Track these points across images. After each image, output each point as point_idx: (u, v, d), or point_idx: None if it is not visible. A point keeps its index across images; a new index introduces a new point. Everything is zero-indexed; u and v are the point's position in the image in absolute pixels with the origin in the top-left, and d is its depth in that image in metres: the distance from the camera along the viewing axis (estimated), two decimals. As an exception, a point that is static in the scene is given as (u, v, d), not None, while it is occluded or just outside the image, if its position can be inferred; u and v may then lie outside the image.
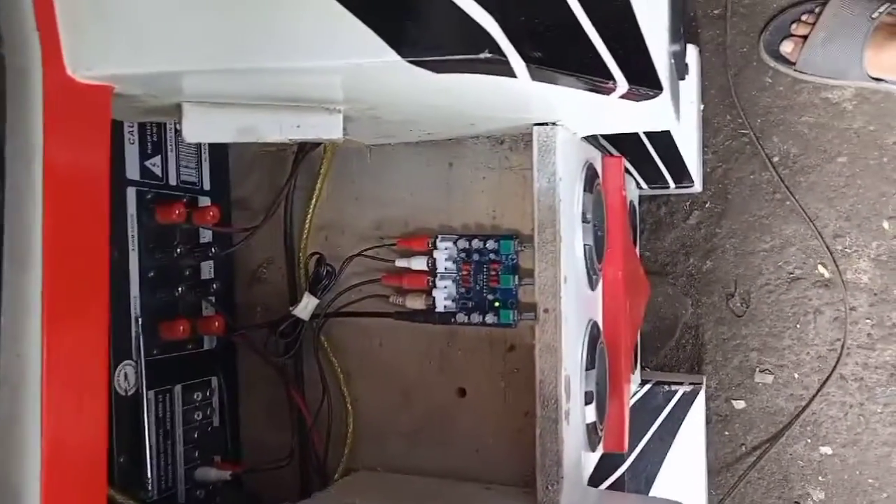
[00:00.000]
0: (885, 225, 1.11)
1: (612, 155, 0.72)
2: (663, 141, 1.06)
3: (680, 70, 0.53)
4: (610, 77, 0.44)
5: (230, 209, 0.72)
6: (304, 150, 0.69)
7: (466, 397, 0.65)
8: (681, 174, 1.09)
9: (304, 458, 0.68)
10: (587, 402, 0.62)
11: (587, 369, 0.62)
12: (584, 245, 0.62)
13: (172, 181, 0.65)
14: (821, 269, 1.15)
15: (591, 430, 0.63)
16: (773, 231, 1.18)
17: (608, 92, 0.46)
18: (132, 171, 0.60)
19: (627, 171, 1.05)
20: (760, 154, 1.17)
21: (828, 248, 1.13)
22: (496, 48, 0.39)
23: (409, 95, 0.48)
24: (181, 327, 0.61)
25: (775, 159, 1.17)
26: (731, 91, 1.19)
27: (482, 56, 0.39)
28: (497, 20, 0.39)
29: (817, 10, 1.08)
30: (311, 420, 0.67)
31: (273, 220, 0.70)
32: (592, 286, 0.66)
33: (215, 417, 0.68)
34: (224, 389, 0.68)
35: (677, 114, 0.56)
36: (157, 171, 0.63)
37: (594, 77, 0.44)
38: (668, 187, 1.11)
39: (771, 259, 1.18)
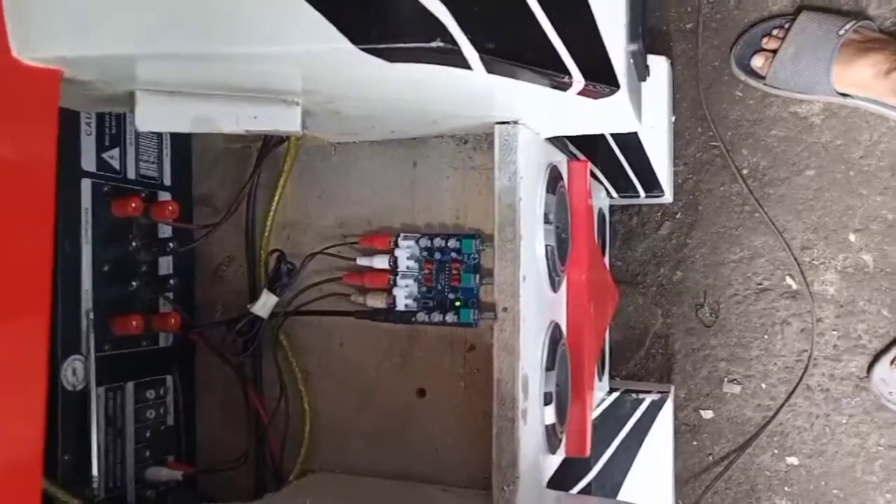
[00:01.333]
0: (852, 237, 1.12)
1: (577, 159, 0.72)
2: (633, 148, 1.07)
3: (640, 71, 0.53)
4: (565, 71, 0.44)
5: (192, 206, 0.71)
6: (268, 146, 0.68)
7: (426, 398, 0.64)
8: (651, 183, 1.09)
9: (259, 460, 0.67)
10: (546, 403, 0.61)
11: (547, 370, 0.62)
12: (546, 246, 0.62)
13: (131, 175, 0.64)
14: (789, 280, 1.16)
15: (551, 431, 0.63)
16: (742, 242, 1.19)
17: (565, 87, 0.46)
18: (88, 163, 0.59)
19: (597, 179, 1.06)
20: (730, 166, 1.18)
21: (795, 259, 1.14)
22: (449, 37, 0.39)
23: (365, 87, 0.48)
24: (134, 323, 0.60)
25: (745, 172, 1.18)
26: (702, 104, 1.20)
27: (434, 45, 0.38)
28: (450, 10, 0.39)
29: (787, 25, 1.09)
30: (268, 420, 0.65)
31: (235, 217, 0.69)
32: (555, 288, 0.65)
33: (169, 416, 0.67)
34: (179, 388, 0.67)
35: (638, 114, 0.57)
36: (115, 163, 0.62)
37: (549, 71, 0.44)
38: (638, 196, 1.12)
39: (740, 270, 1.19)
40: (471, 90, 0.48)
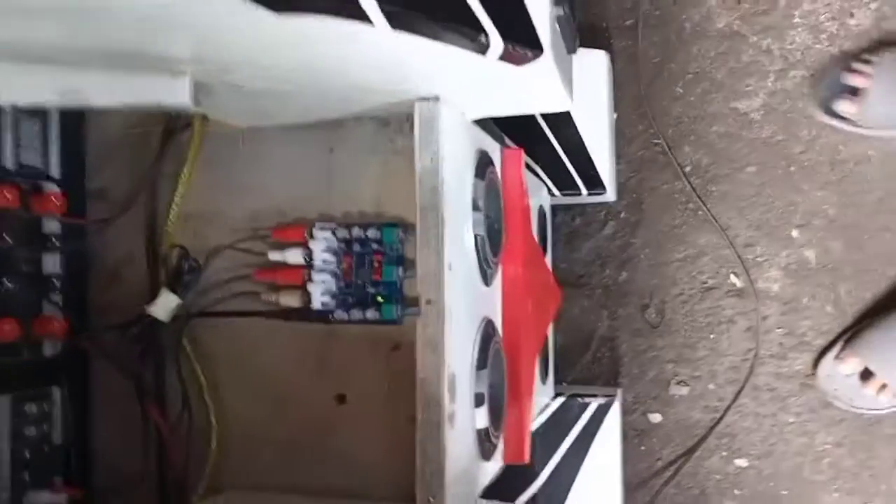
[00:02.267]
0: (794, 233, 1.11)
1: (510, 147, 0.68)
2: (573, 143, 1.04)
3: (568, 42, 0.49)
4: (480, 29, 0.40)
5: (85, 199, 0.64)
6: (171, 132, 0.62)
7: (346, 404, 0.58)
8: (593, 181, 1.06)
9: (161, 479, 0.60)
10: (477, 405, 0.56)
11: (478, 368, 0.57)
12: (476, 235, 0.57)
13: (9, 164, 0.56)
14: (733, 278, 1.14)
15: (483, 436, 0.58)
16: (686, 241, 1.16)
17: (482, 49, 0.41)
18: (-49, 147, 0.52)
19: (538, 176, 1.02)
20: (673, 164, 1.16)
21: (739, 257, 1.13)
22: (341, -20, 0.33)
23: (257, 52, 0.42)
24: (6, 327, 0.53)
25: (688, 169, 1.16)
26: (643, 101, 1.18)
27: (323, -13, 0.33)
28: (343, -51, 0.33)
29: (873, 59, 1.01)
30: (167, 435, 0.58)
31: (134, 211, 0.63)
32: (487, 281, 0.61)
33: (56, 433, 0.59)
34: (69, 402, 0.59)
35: (569, 90, 0.53)
36: (-13, 149, 0.55)
37: (462, 27, 0.39)
38: (580, 194, 1.08)
39: (685, 269, 1.17)
40: (379, 55, 0.43)
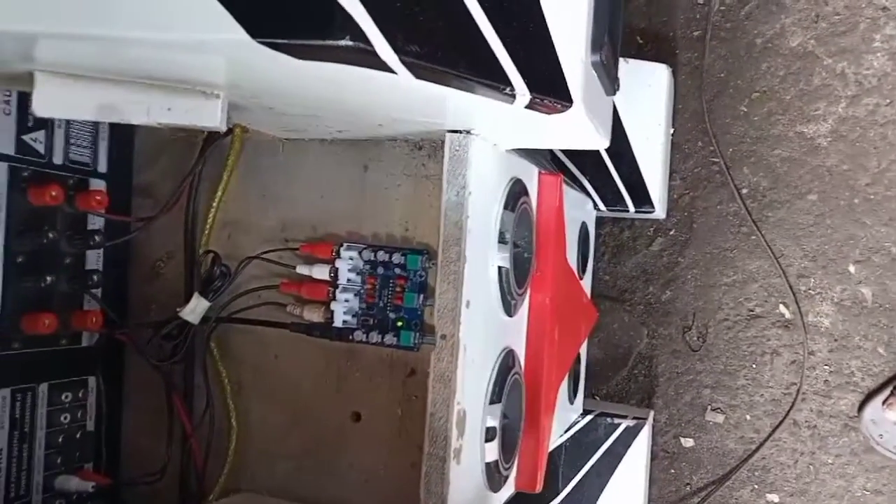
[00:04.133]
0: (852, 269, 1.06)
1: (549, 172, 0.67)
2: (625, 160, 1.01)
3: (607, 84, 0.48)
4: (506, 82, 0.39)
5: (130, 196, 0.66)
6: (212, 138, 0.63)
7: (361, 422, 0.59)
8: (642, 198, 1.04)
9: (183, 475, 0.62)
10: (488, 440, 0.56)
11: (491, 402, 0.57)
12: (500, 268, 0.57)
13: (58, 160, 0.59)
14: (782, 308, 1.10)
15: (493, 469, 0.58)
16: (736, 265, 1.13)
17: (508, 100, 0.40)
18: (5, 145, 0.55)
19: (585, 190, 1.00)
20: (730, 184, 1.12)
21: (791, 287, 1.08)
22: (361, 36, 0.33)
23: (287, 85, 0.42)
24: (46, 321, 0.55)
25: (744, 191, 1.12)
26: (704, 117, 1.14)
27: (342, 44, 0.33)
28: (364, 4, 0.33)
29: None
30: (191, 432, 0.61)
31: (176, 211, 0.64)
32: (510, 312, 0.60)
33: (89, 421, 0.62)
34: (103, 392, 0.62)
35: (604, 132, 0.51)
36: (39, 147, 0.57)
37: (487, 81, 0.38)
38: (627, 211, 1.06)
39: (732, 294, 1.13)
40: (407, 95, 0.42)
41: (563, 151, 0.96)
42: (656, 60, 1.07)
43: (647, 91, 1.04)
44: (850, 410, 1.06)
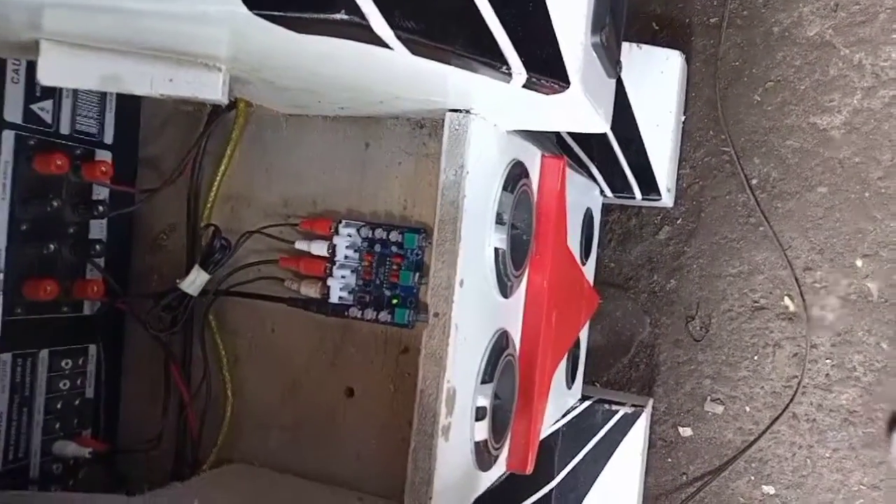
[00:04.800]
0: (859, 263, 1.05)
1: (552, 155, 0.67)
2: (634, 146, 1.01)
3: (608, 66, 0.48)
4: (503, 61, 0.39)
5: (136, 168, 0.67)
6: (218, 111, 0.63)
7: (354, 397, 0.60)
8: (649, 185, 1.03)
9: (179, 443, 0.63)
10: (478, 418, 0.57)
11: (483, 382, 0.57)
12: (497, 249, 0.57)
13: (65, 129, 0.60)
14: (787, 301, 1.09)
15: (482, 448, 0.58)
16: (742, 256, 1.12)
17: (505, 78, 0.40)
18: (13, 114, 0.55)
19: (592, 175, 1.00)
20: (739, 174, 1.11)
21: (797, 280, 1.08)
22: (356, 10, 0.33)
23: (286, 59, 0.42)
24: (47, 288, 0.56)
25: (754, 181, 1.11)
26: (717, 105, 1.13)
27: (337, 17, 0.33)
28: (360, -22, 0.33)
29: None
30: (187, 401, 0.62)
31: (180, 183, 0.65)
32: (506, 293, 0.60)
33: (89, 388, 0.63)
34: (102, 360, 0.63)
35: (604, 114, 0.51)
36: (46, 116, 0.58)
37: (483, 58, 0.38)
38: (634, 198, 1.05)
39: (737, 285, 1.12)
40: (404, 72, 0.42)
41: (571, 136, 0.95)
42: (671, 47, 1.06)
43: (659, 77, 1.03)
44: (850, 405, 1.05)
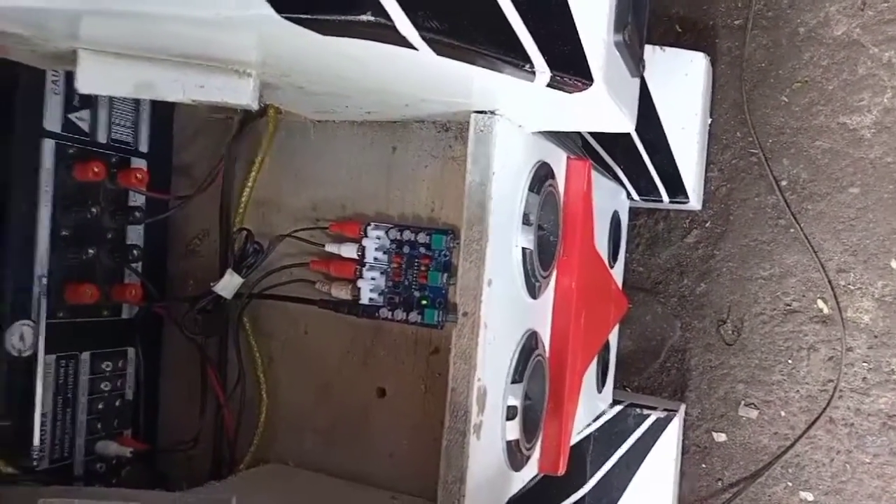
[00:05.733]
0: (894, 264, 1.03)
1: (578, 157, 0.67)
2: (660, 149, 1.01)
3: (631, 65, 0.48)
4: (526, 59, 0.40)
5: (170, 175, 0.69)
6: (248, 119, 0.65)
7: (386, 398, 0.61)
8: (676, 188, 1.03)
9: (216, 444, 0.64)
10: (509, 417, 0.57)
11: (513, 382, 0.57)
12: (524, 249, 0.58)
13: (101, 138, 0.62)
14: (820, 303, 1.07)
15: (514, 447, 0.59)
16: (773, 258, 1.11)
17: (529, 77, 0.41)
18: (52, 123, 0.57)
19: (618, 178, 1.00)
20: (768, 176, 1.10)
21: (830, 282, 1.06)
22: (381, 11, 0.34)
23: (314, 62, 0.44)
24: (88, 292, 0.58)
25: (783, 183, 1.10)
26: (743, 107, 1.12)
27: (363, 18, 0.34)
28: (386, -21, 0.34)
29: None
30: (223, 403, 0.63)
31: (213, 190, 0.67)
32: (534, 294, 0.61)
33: (129, 390, 0.65)
34: (142, 362, 0.65)
35: (629, 114, 0.51)
36: (84, 125, 0.60)
37: (506, 57, 0.39)
38: (661, 201, 1.05)
39: (768, 288, 1.11)
40: (429, 73, 0.43)
41: (596, 140, 0.96)
42: (695, 49, 1.05)
43: (683, 80, 1.03)
44: (890, 409, 1.03)
